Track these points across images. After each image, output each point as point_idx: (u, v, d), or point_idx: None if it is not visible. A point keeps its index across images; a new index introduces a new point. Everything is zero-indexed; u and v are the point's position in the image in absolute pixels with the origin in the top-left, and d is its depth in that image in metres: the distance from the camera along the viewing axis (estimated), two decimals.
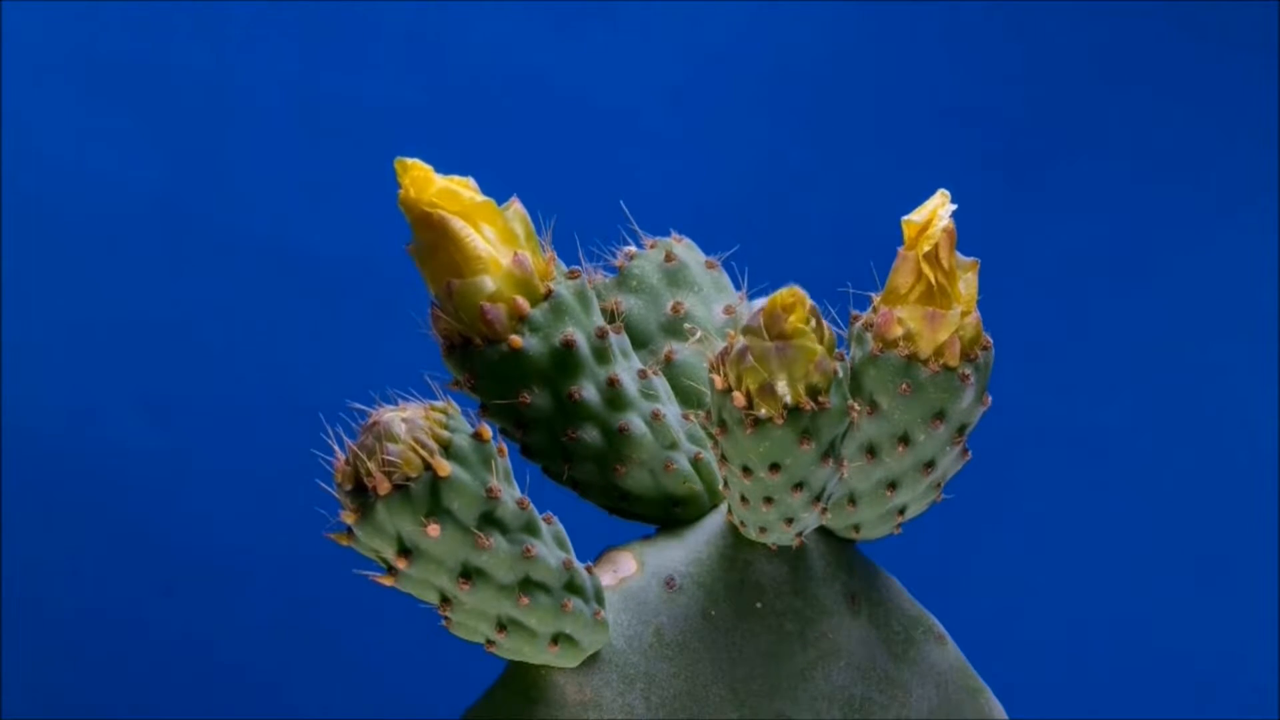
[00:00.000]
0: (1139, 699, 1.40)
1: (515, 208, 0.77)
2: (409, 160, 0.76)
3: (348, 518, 0.72)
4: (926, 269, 0.74)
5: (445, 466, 0.71)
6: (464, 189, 0.76)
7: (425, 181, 0.75)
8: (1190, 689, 1.40)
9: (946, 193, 0.74)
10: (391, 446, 0.71)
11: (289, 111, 1.34)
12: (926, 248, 0.74)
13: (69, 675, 1.34)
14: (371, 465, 0.71)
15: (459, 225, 0.75)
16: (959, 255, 0.75)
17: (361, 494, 0.72)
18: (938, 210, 0.74)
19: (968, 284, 0.75)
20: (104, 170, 1.32)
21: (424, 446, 0.71)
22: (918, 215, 0.75)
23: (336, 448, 0.72)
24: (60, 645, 1.33)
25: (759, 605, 0.78)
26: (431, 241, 0.75)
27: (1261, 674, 1.41)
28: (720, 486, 0.78)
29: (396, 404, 0.73)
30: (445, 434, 0.72)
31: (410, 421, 0.72)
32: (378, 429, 0.72)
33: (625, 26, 1.37)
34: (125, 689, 1.34)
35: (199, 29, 1.33)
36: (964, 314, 0.75)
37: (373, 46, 1.34)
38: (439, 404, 0.73)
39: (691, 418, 0.80)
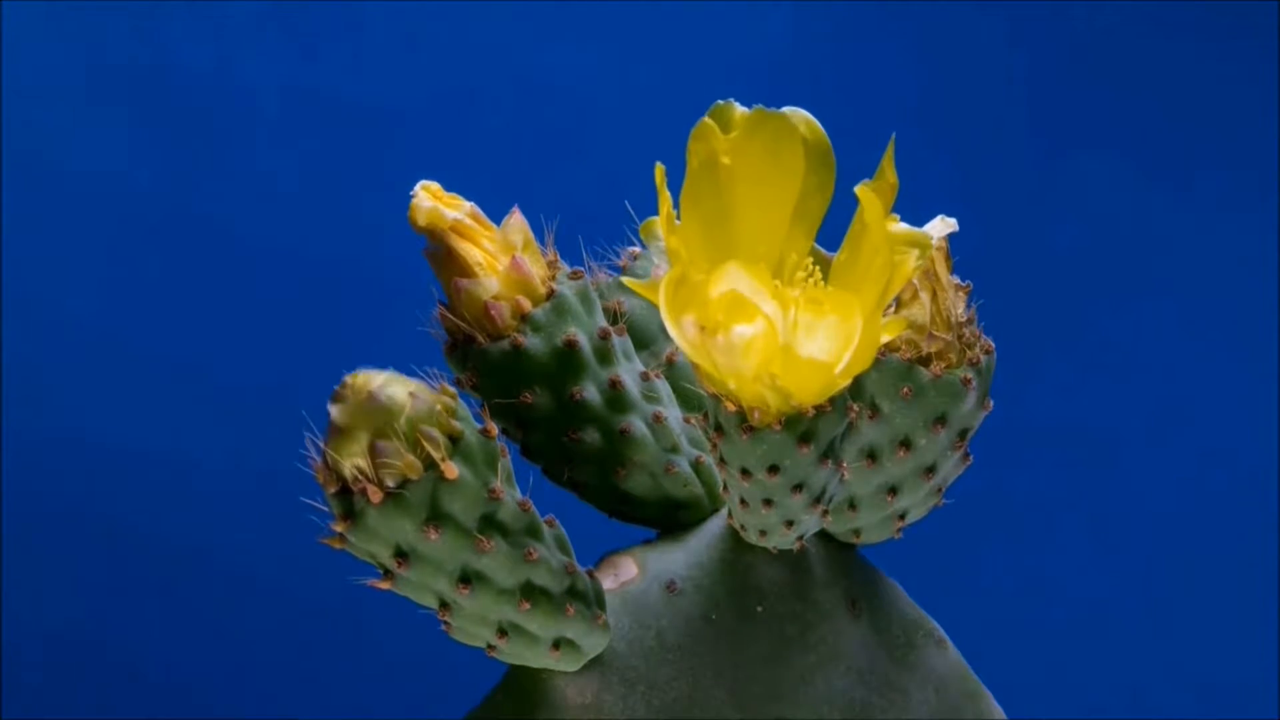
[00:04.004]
0: (1139, 701, 1.40)
1: (515, 219, 0.78)
2: (422, 183, 0.77)
3: (338, 526, 0.69)
4: (922, 282, 0.74)
5: (454, 469, 0.69)
6: (453, 209, 0.77)
7: (415, 209, 0.77)
8: (1190, 689, 1.40)
9: (949, 219, 0.74)
10: (383, 445, 0.68)
11: (290, 112, 1.34)
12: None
13: (68, 676, 1.34)
14: (363, 465, 0.68)
15: (455, 240, 0.76)
16: (956, 278, 0.75)
17: (348, 496, 0.69)
18: (929, 231, 0.74)
19: (957, 302, 0.75)
20: (103, 170, 1.32)
21: (431, 441, 0.69)
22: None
23: (320, 445, 0.69)
24: (60, 646, 1.33)
25: (760, 609, 0.78)
26: (441, 249, 0.77)
27: (1261, 674, 1.41)
28: (720, 490, 0.78)
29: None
30: (457, 425, 0.70)
31: (418, 398, 0.69)
32: (373, 404, 0.68)
33: (629, 25, 1.37)
34: (125, 689, 1.34)
35: (199, 29, 1.33)
36: (962, 325, 0.75)
37: (375, 47, 1.34)
38: (447, 388, 0.71)
39: (692, 421, 0.80)
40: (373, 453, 0.68)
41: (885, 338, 0.69)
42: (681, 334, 0.66)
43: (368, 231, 1.34)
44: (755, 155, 0.71)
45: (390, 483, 0.69)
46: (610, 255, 0.84)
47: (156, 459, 1.34)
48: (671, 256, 0.67)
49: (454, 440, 0.70)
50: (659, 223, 0.69)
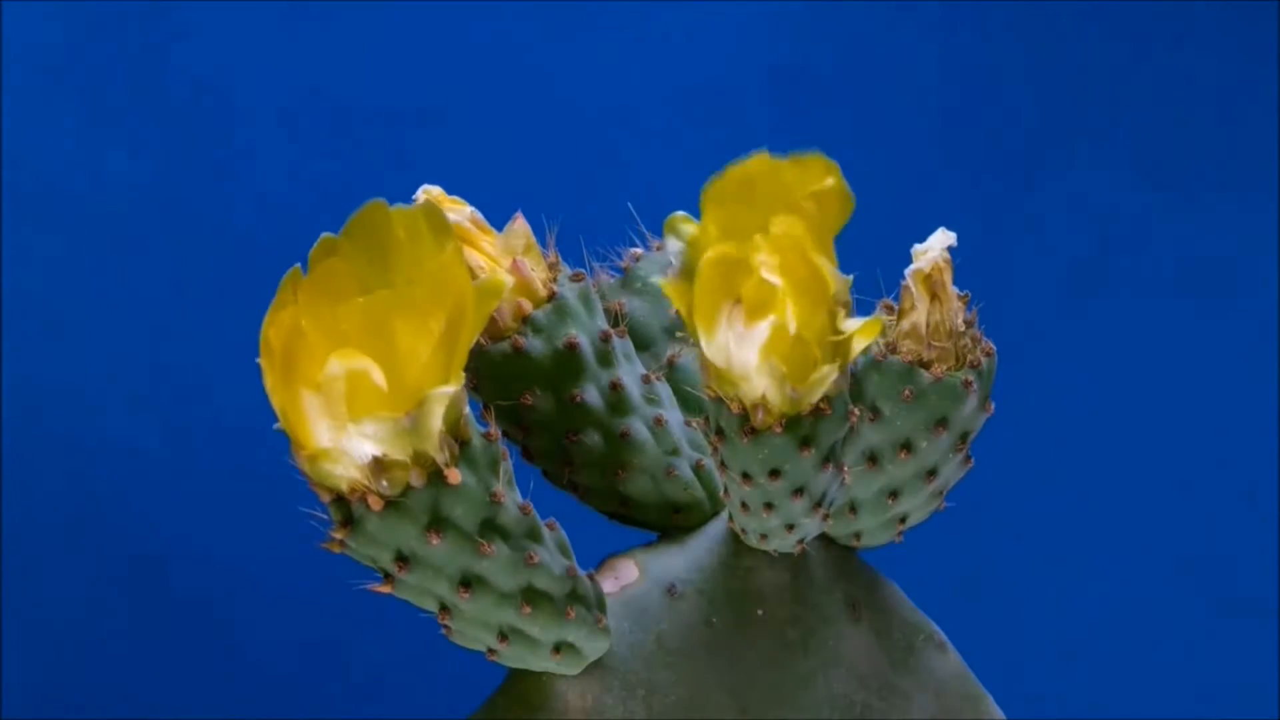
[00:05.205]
0: (1139, 705, 1.40)
1: (517, 224, 0.78)
2: (423, 188, 0.77)
3: (337, 533, 0.68)
4: (923, 291, 0.74)
5: (457, 475, 0.68)
6: (453, 212, 0.76)
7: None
8: (1190, 690, 1.40)
9: (949, 232, 0.74)
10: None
11: (290, 115, 1.34)
12: (916, 267, 0.74)
13: (69, 676, 1.34)
14: (358, 474, 0.67)
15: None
16: (955, 289, 0.76)
17: (346, 503, 0.68)
18: (930, 244, 0.74)
19: (958, 311, 0.75)
20: (103, 170, 1.32)
21: (443, 447, 0.67)
22: (923, 245, 0.75)
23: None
24: (60, 646, 1.33)
25: (760, 613, 0.78)
26: None
27: (1261, 674, 1.41)
28: (721, 493, 0.78)
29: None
30: (468, 429, 0.69)
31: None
32: None
33: (630, 26, 1.37)
34: (126, 689, 1.34)
35: (199, 29, 1.33)
36: (962, 332, 0.75)
37: (376, 50, 1.34)
38: None
39: (693, 424, 0.80)
40: (376, 460, 0.67)
41: (863, 341, 0.68)
42: (726, 327, 0.66)
43: None
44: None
45: (391, 489, 0.68)
46: (612, 256, 0.84)
47: (156, 461, 1.33)
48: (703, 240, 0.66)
49: (462, 444, 0.69)
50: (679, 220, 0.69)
